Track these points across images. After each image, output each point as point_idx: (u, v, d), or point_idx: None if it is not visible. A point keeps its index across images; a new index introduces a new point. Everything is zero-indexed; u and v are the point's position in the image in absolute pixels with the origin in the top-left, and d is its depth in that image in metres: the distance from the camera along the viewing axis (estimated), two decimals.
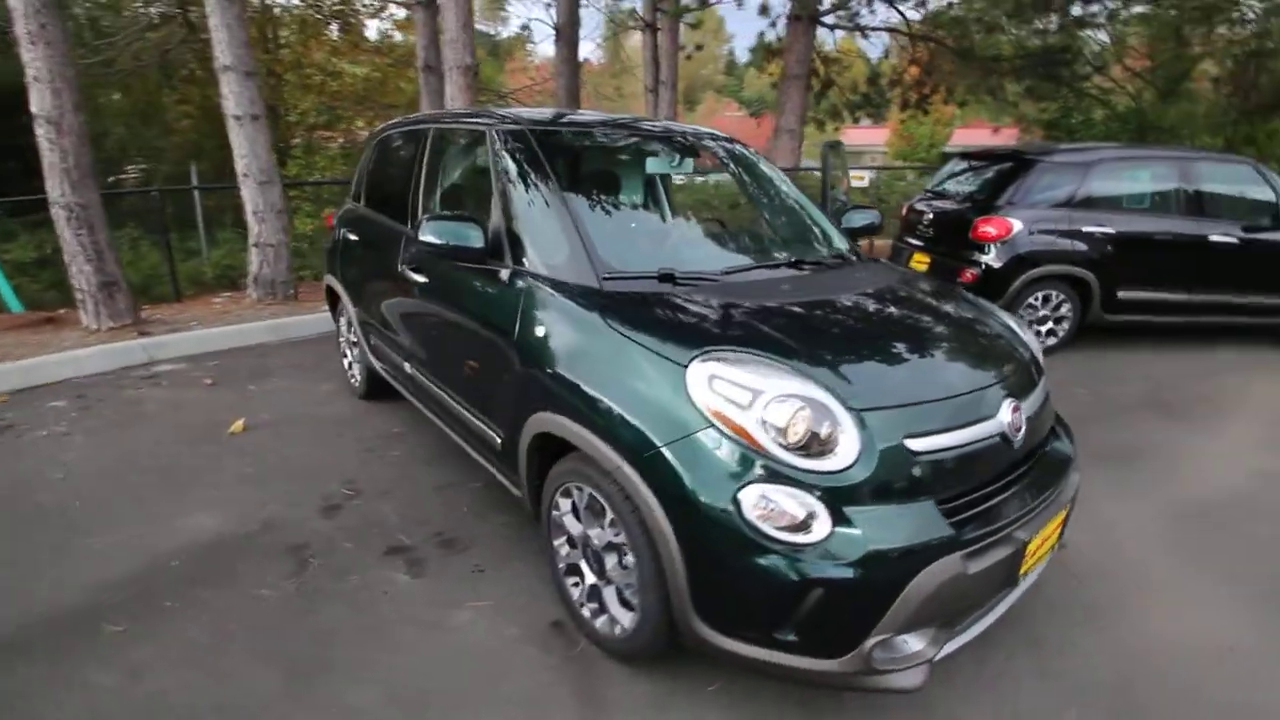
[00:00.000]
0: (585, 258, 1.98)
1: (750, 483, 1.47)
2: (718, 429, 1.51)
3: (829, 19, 9.06)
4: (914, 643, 1.52)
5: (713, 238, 2.38)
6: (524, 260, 2.11)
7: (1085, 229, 4.90)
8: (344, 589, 2.22)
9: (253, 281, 6.10)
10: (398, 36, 12.69)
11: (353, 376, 3.92)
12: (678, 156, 2.64)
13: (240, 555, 2.39)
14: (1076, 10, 8.74)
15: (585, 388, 1.75)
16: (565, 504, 1.98)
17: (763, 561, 1.45)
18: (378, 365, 3.42)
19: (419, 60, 7.82)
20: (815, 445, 1.48)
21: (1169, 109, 9.68)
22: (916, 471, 1.52)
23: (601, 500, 1.78)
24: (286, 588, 2.22)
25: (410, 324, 2.82)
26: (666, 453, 1.54)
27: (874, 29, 9.65)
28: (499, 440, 2.25)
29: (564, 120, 2.54)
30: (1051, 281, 4.95)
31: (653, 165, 2.63)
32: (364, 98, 12.09)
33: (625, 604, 1.83)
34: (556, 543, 2.06)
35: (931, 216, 5.55)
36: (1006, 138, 15.64)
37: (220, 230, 8.74)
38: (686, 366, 1.59)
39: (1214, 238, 4.98)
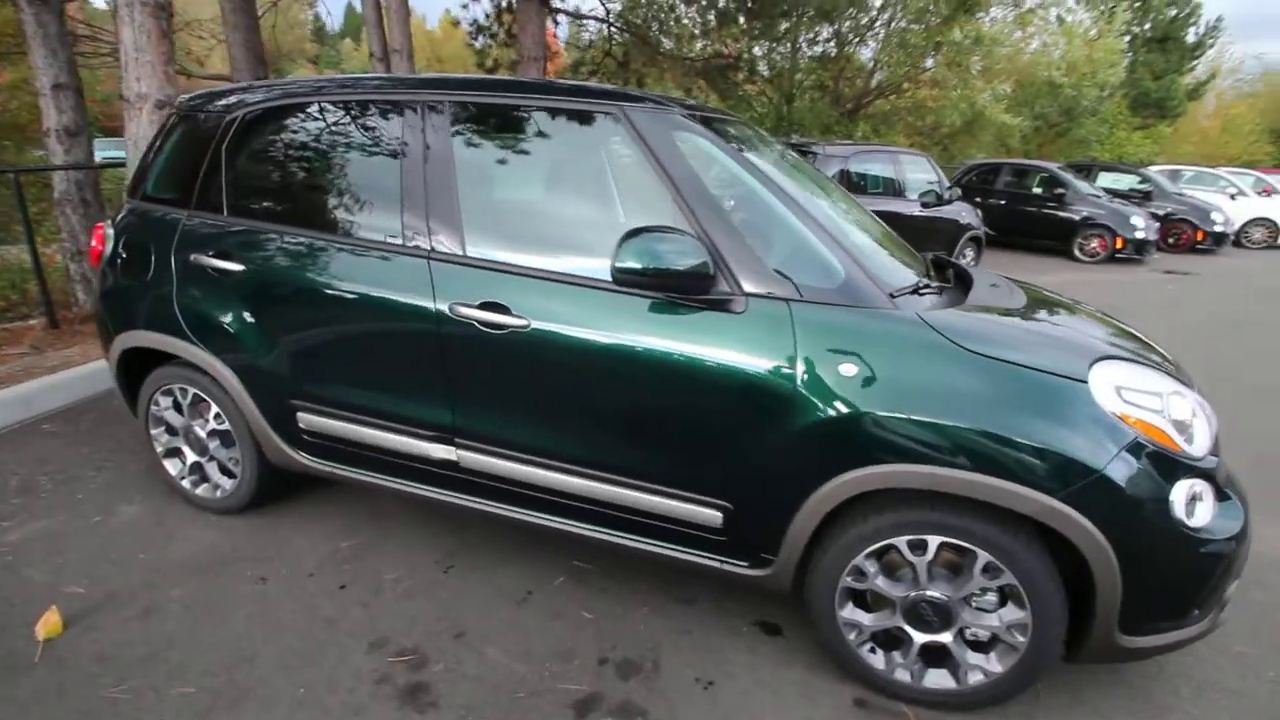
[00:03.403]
0: (862, 274, 1.66)
1: (1175, 482, 1.50)
2: (1139, 437, 1.49)
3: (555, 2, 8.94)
4: None
5: (873, 241, 2.17)
6: (763, 284, 1.65)
7: None
8: None
9: None
10: None
11: (209, 485, 2.51)
12: (785, 149, 2.35)
13: None
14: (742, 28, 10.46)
15: (962, 426, 1.50)
16: (871, 566, 1.69)
17: (1194, 552, 1.51)
18: (309, 461, 2.26)
19: None
20: (1192, 434, 1.58)
21: (799, 109, 12.45)
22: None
23: (973, 548, 1.57)
24: None
25: (469, 389, 1.93)
26: (1108, 474, 1.45)
27: (587, 17, 9.90)
28: (720, 515, 1.76)
29: (687, 102, 2.02)
30: None
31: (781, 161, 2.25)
32: None
33: (986, 649, 1.68)
34: (845, 614, 1.75)
35: None
36: None
37: None
38: (1087, 381, 1.51)
39: (913, 212, 6.67)
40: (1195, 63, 20.46)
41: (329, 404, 2.15)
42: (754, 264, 1.67)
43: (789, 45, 13.31)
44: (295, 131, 2.18)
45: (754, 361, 1.64)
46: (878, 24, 13.03)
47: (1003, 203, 10.82)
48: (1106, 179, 11.95)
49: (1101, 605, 1.53)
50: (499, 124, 1.94)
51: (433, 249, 1.93)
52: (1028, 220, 10.49)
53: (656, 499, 1.82)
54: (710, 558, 1.84)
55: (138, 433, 3.18)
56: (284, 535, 2.43)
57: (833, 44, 13.90)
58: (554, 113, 1.88)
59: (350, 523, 2.51)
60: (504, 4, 10.33)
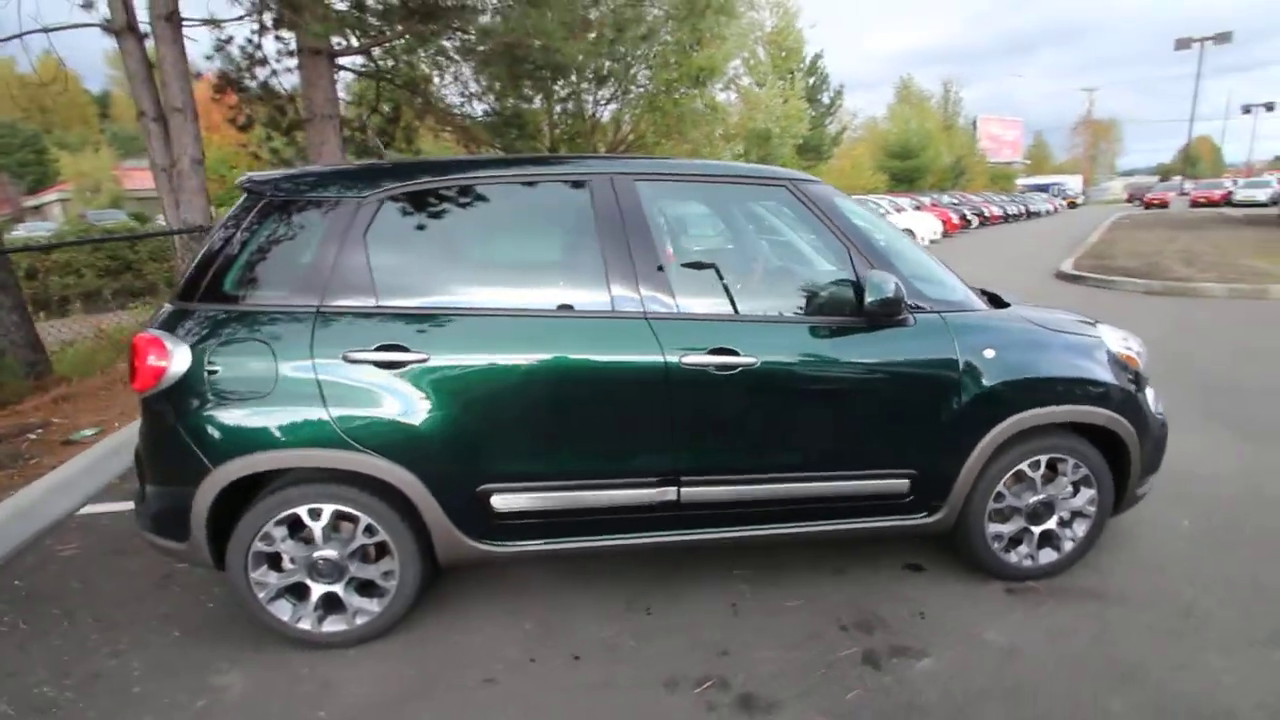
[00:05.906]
0: (965, 286, 2.39)
1: (1144, 388, 2.51)
2: (1128, 365, 2.46)
3: (345, 59, 8.40)
4: None
5: None
6: (922, 303, 2.27)
7: None
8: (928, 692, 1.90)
9: None
10: None
11: (345, 614, 2.20)
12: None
13: None
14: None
15: (1063, 376, 2.31)
16: (1005, 489, 2.40)
17: (1159, 428, 2.54)
18: (498, 547, 2.19)
19: None
20: (1141, 359, 2.63)
21: None
22: None
23: (1066, 457, 2.38)
24: None
25: (696, 428, 2.15)
26: (1128, 390, 2.39)
27: (362, 73, 9.48)
28: (907, 481, 2.32)
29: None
30: None
31: None
32: None
33: (1070, 524, 2.49)
34: (991, 529, 2.43)
35: None
36: None
37: None
38: (1100, 337, 2.44)
39: None
40: (831, 118, 27.63)
41: (533, 478, 2.15)
42: (912, 289, 2.28)
43: (542, 100, 14.32)
44: (466, 211, 2.14)
45: (930, 359, 2.24)
46: (620, 88, 14.78)
47: None
48: None
49: (1133, 472, 2.46)
50: (687, 197, 2.24)
51: (645, 310, 2.13)
52: None
53: (858, 483, 2.30)
54: (894, 519, 2.37)
55: (114, 598, 2.55)
56: (447, 640, 2.26)
57: (571, 102, 15.40)
58: (733, 187, 2.27)
59: (506, 605, 2.43)
60: (257, 55, 9.32)
